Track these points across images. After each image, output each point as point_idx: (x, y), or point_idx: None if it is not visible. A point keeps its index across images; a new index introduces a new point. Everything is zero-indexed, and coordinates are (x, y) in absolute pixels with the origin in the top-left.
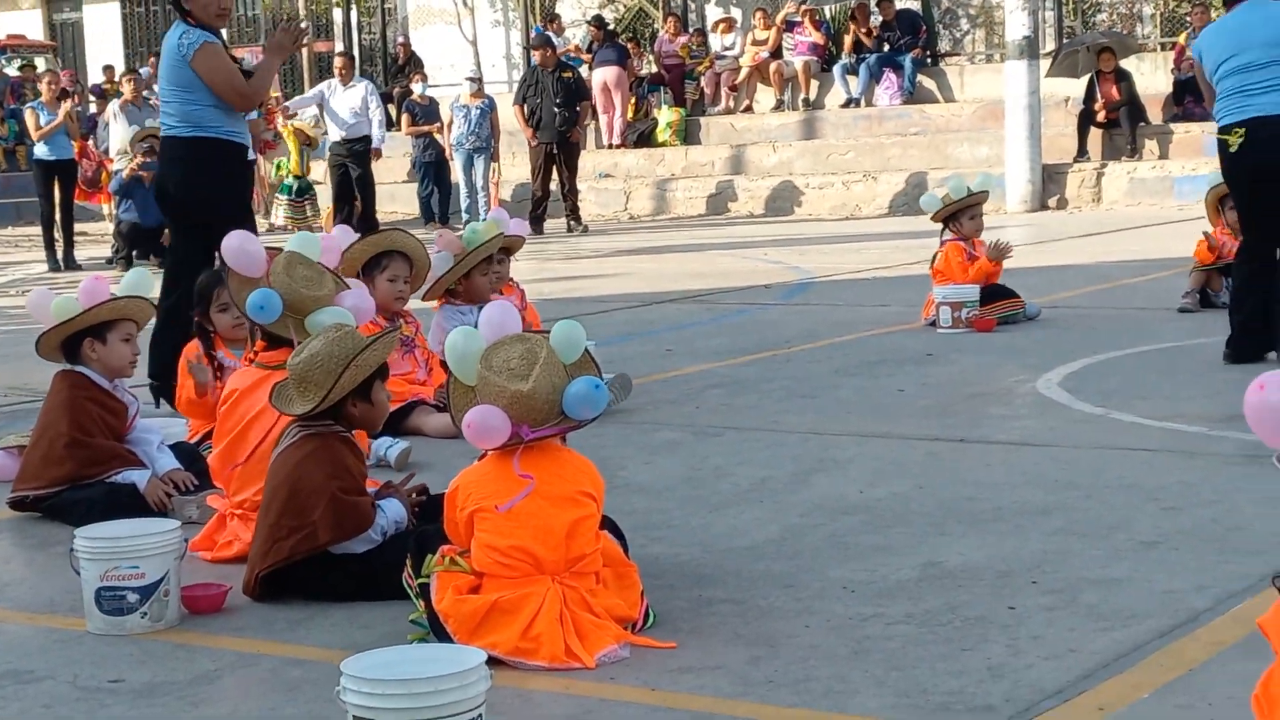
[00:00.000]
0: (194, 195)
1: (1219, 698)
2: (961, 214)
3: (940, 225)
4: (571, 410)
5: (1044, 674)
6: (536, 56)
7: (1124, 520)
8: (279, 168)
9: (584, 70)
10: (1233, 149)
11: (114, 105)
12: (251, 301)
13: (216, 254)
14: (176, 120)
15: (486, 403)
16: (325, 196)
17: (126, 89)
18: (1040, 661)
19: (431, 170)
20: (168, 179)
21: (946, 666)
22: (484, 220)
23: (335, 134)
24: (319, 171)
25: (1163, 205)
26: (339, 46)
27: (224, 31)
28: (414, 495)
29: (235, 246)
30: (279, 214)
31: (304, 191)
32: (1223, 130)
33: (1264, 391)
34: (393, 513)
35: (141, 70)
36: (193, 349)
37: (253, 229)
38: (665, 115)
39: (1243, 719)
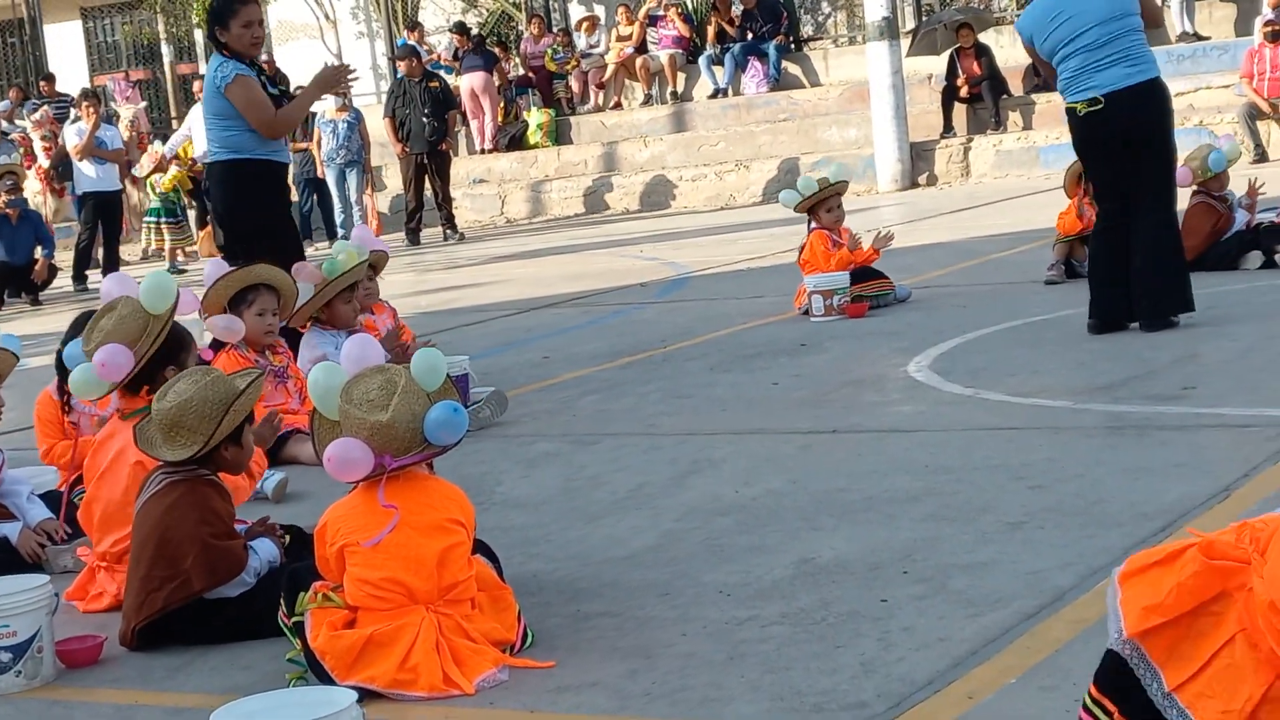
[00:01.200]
0: (238, 215)
1: (1083, 676)
2: (819, 207)
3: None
4: (433, 437)
5: (915, 666)
6: (402, 67)
7: (992, 502)
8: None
9: (452, 78)
10: (1083, 116)
11: None
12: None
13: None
14: (217, 146)
15: (349, 435)
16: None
17: None
18: (911, 654)
19: (312, 186)
20: (215, 202)
21: (820, 665)
22: (346, 242)
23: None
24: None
25: (1029, 175)
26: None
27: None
28: (280, 533)
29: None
30: (149, 239)
31: (173, 214)
32: (1071, 104)
33: None
34: (265, 552)
35: (0, 103)
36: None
37: (298, 244)
38: (535, 117)
39: None
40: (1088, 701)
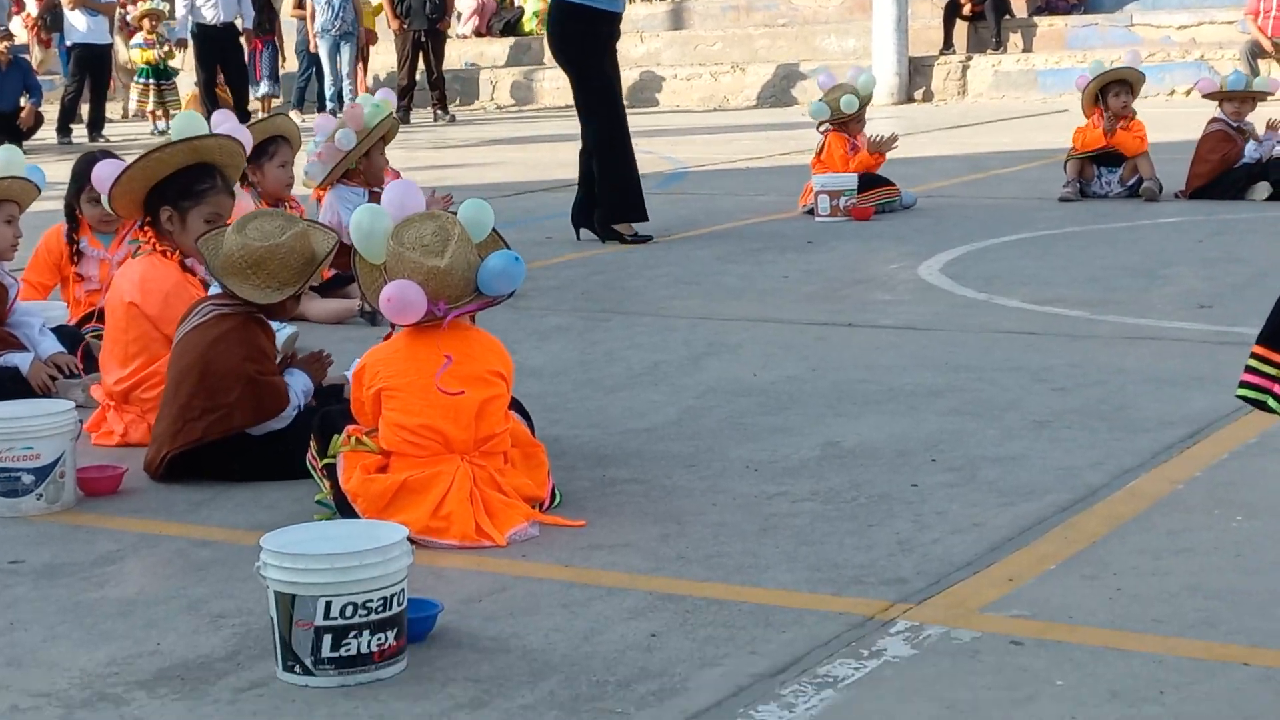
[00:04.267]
0: (565, 51)
1: (1123, 568)
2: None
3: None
4: (488, 286)
5: (952, 548)
6: None
7: (1015, 401)
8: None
9: None
10: None
11: None
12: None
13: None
14: None
15: (400, 279)
16: (185, 82)
17: None
18: (947, 536)
19: (312, 58)
20: (550, 37)
21: (855, 542)
22: (371, 96)
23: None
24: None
25: (1026, 98)
26: None
27: None
28: (323, 357)
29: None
30: (133, 99)
31: (163, 76)
32: None
33: None
34: (299, 384)
35: None
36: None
37: (612, 82)
38: (532, 4)
39: (1145, 589)
40: (1253, 363)
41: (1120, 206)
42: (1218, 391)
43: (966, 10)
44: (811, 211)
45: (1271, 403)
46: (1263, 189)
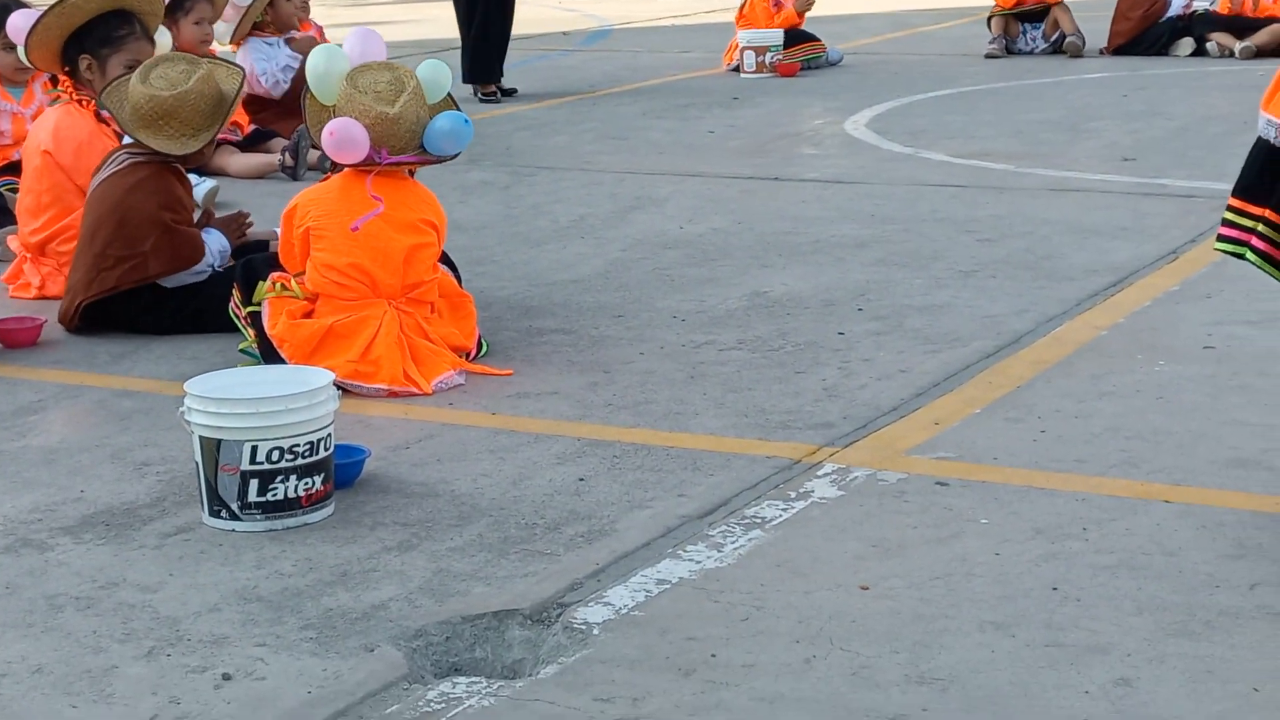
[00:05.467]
0: None
1: (1047, 411)
2: None
3: None
4: (434, 144)
5: (878, 393)
6: None
7: (941, 251)
8: None
9: None
10: None
11: None
12: None
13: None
14: None
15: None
16: None
17: None
18: (873, 382)
19: None
20: None
21: (782, 389)
22: None
23: None
24: None
25: None
26: None
27: None
28: (242, 219)
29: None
30: None
31: None
32: None
33: None
34: (215, 243)
35: None
36: None
37: None
38: None
39: (1068, 431)
40: (1229, 215)
41: (1045, 63)
42: (1141, 241)
43: None
44: (738, 68)
45: (1249, 254)
46: (1186, 44)
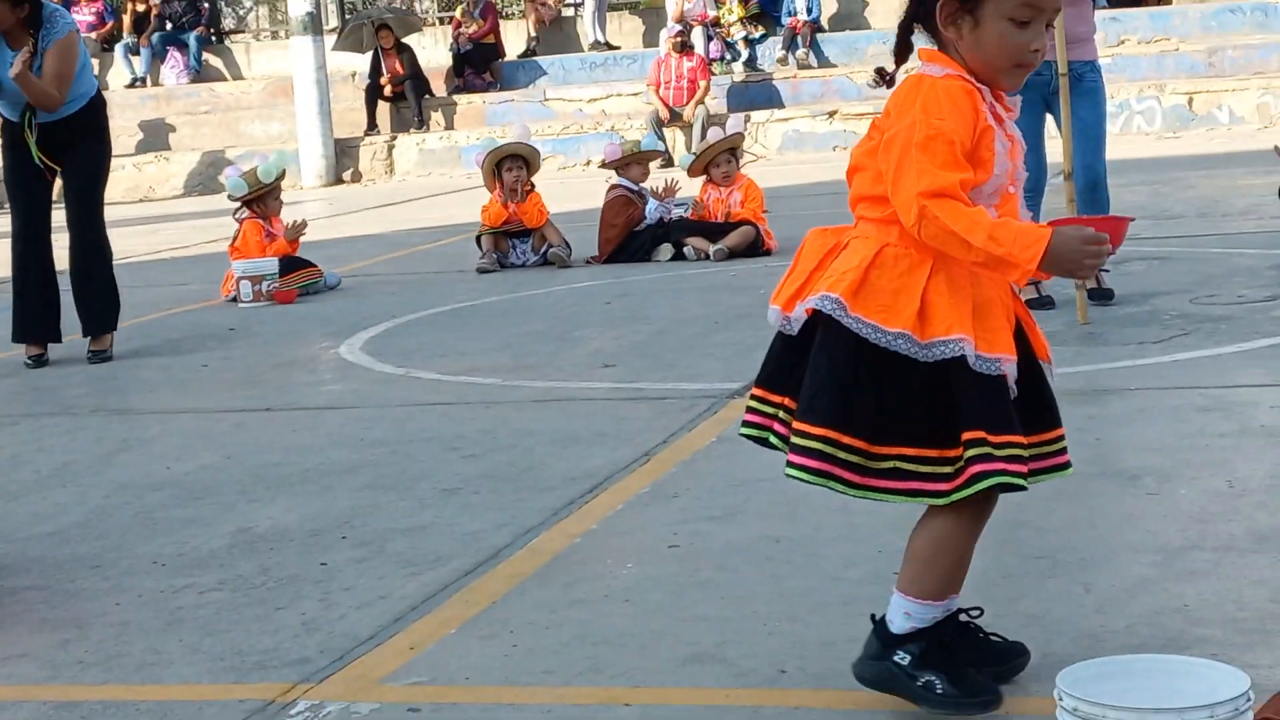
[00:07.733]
0: None
1: (520, 624)
2: (266, 196)
3: (236, 204)
4: None
5: (356, 622)
6: None
7: (427, 470)
8: None
9: None
10: None
11: None
12: None
13: None
14: None
15: None
16: None
17: None
18: (353, 611)
19: None
20: None
21: (261, 626)
22: None
23: None
24: None
25: (452, 174)
26: None
27: None
28: None
29: None
30: None
31: None
32: None
33: None
34: None
35: None
36: None
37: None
38: None
39: (538, 642)
40: (753, 404)
41: (536, 275)
42: (617, 445)
43: (388, 91)
44: (235, 299)
45: (772, 438)
46: (666, 250)
